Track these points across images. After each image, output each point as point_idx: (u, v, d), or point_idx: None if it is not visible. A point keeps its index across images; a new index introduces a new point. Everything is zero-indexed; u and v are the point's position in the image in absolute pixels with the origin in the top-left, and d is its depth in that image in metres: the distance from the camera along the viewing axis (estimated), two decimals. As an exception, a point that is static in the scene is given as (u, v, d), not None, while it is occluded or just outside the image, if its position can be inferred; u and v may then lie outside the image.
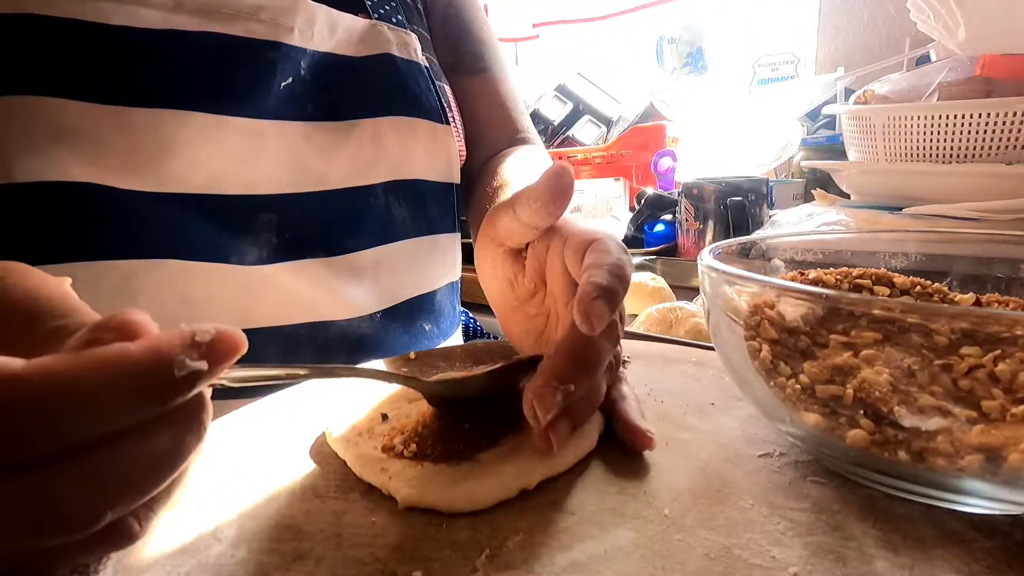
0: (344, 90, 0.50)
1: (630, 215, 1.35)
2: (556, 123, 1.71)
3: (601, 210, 1.58)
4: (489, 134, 0.65)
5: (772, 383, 0.27)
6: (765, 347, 0.28)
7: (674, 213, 1.21)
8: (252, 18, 0.44)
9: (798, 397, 0.26)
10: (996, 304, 0.32)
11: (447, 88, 0.59)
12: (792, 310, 0.27)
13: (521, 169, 0.56)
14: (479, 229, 0.39)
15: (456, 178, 0.59)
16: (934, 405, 0.23)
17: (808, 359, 0.26)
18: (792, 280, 0.34)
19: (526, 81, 2.02)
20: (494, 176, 0.56)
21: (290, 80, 0.47)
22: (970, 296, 0.33)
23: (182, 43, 0.41)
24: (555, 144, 1.72)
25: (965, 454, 0.22)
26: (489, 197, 0.53)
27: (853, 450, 0.24)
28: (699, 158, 1.44)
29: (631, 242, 1.29)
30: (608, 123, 1.74)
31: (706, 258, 0.31)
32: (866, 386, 0.24)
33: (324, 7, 0.49)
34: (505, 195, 0.50)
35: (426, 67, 0.56)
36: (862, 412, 0.24)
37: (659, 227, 1.25)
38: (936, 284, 0.34)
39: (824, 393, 0.25)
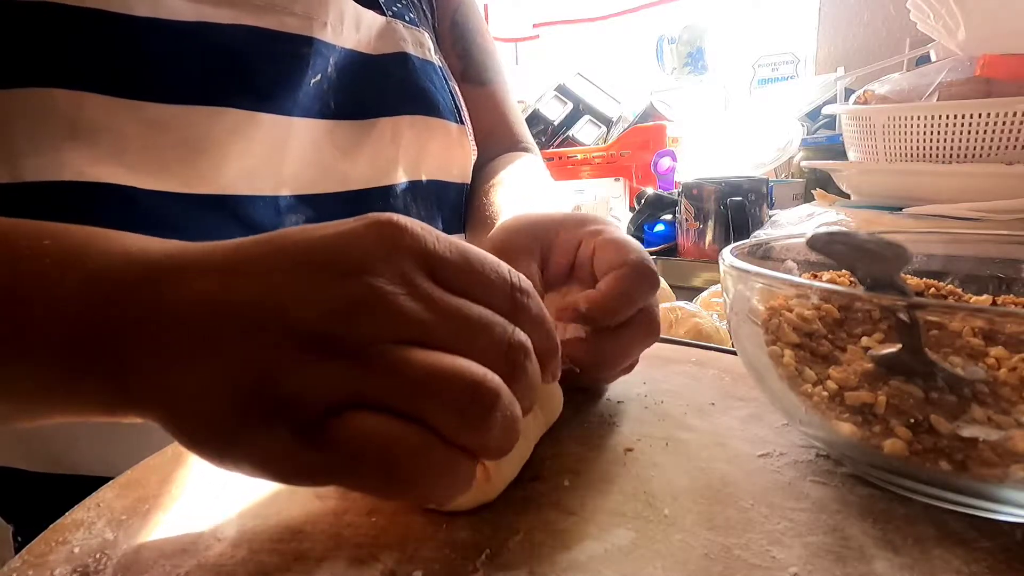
0: (364, 88, 0.49)
1: (630, 215, 1.35)
2: (556, 123, 1.72)
3: (601, 210, 1.58)
4: (491, 144, 0.64)
5: (798, 391, 0.26)
6: (787, 352, 0.27)
7: (674, 213, 1.22)
8: (285, 11, 0.43)
9: (828, 405, 0.25)
10: (1011, 305, 0.31)
11: (457, 90, 0.59)
12: (812, 312, 0.26)
13: (516, 193, 0.55)
14: (476, 236, 0.38)
15: (469, 179, 0.58)
16: (984, 414, 0.22)
17: (832, 364, 0.25)
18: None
19: (526, 81, 2.02)
20: (489, 193, 0.55)
21: (318, 77, 0.46)
22: (986, 298, 0.32)
23: (213, 36, 0.40)
24: (555, 144, 1.72)
25: (1011, 463, 0.21)
26: (484, 212, 0.53)
27: (891, 460, 0.24)
28: (699, 158, 1.44)
29: (631, 242, 1.29)
30: (608, 123, 1.74)
31: (728, 258, 0.30)
32: (899, 393, 0.23)
33: (351, 2, 0.48)
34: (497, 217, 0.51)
35: (440, 67, 0.56)
36: (898, 421, 0.23)
37: (659, 227, 1.25)
38: (949, 286, 0.33)
39: (855, 400, 0.24)
